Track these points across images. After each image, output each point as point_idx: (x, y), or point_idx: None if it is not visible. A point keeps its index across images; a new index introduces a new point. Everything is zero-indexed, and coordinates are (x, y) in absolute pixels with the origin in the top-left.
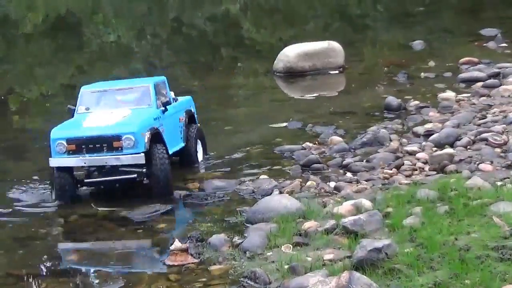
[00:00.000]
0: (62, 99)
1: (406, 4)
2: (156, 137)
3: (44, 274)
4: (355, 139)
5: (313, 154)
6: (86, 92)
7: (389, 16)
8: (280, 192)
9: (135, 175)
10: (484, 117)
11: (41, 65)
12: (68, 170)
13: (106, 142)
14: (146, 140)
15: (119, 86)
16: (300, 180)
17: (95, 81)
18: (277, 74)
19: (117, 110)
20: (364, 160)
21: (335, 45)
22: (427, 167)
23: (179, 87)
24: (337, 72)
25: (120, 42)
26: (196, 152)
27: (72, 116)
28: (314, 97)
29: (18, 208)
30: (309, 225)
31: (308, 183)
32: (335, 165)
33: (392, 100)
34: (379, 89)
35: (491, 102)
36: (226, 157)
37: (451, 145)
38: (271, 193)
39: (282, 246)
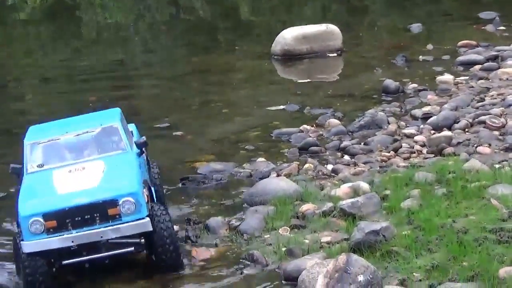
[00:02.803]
0: (61, 84)
1: None
2: (150, 193)
3: None
4: (353, 122)
5: (310, 137)
6: (33, 144)
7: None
8: (278, 175)
9: (132, 248)
10: (482, 100)
11: (40, 49)
12: (43, 253)
13: (99, 211)
14: (146, 200)
15: (74, 130)
16: (298, 163)
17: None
18: (275, 57)
19: (87, 164)
20: (362, 143)
21: (333, 28)
22: (425, 150)
23: (177, 70)
24: (335, 55)
25: (118, 25)
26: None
27: (20, 178)
28: (312, 80)
29: None
30: (306, 207)
31: (306, 165)
32: (333, 148)
33: (390, 83)
34: (377, 72)
35: (489, 85)
36: (223, 139)
37: (449, 128)
38: (268, 176)
39: (280, 229)
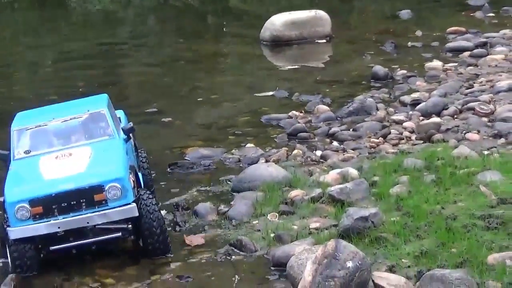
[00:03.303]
0: (49, 69)
1: None
2: (136, 178)
3: None
4: (342, 108)
5: (299, 123)
6: (20, 130)
7: None
8: (266, 161)
9: (119, 234)
10: (471, 86)
11: (28, 34)
12: (30, 239)
13: (85, 197)
14: (132, 185)
15: (61, 116)
16: (287, 148)
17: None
18: (264, 43)
19: (74, 150)
20: (351, 129)
21: (322, 14)
22: (413, 136)
23: (165, 56)
24: (324, 41)
25: (106, 10)
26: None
27: (6, 164)
28: (300, 66)
29: None
30: (295, 193)
31: (295, 151)
32: (322, 134)
33: (379, 69)
34: (366, 58)
35: (478, 72)
36: (212, 125)
37: (438, 114)
38: (257, 162)
39: (268, 215)
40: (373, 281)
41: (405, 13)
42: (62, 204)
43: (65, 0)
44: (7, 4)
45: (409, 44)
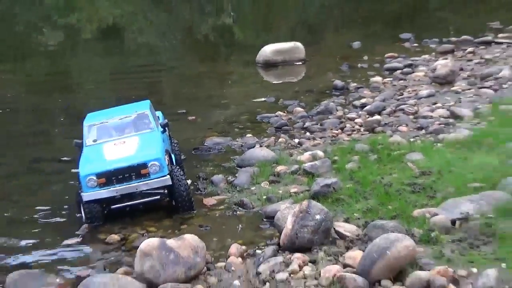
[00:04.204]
0: (110, 83)
1: (349, 15)
2: (170, 158)
3: None
4: (312, 109)
5: (283, 119)
6: (90, 126)
7: (336, 25)
8: (260, 146)
9: (159, 197)
10: (402, 94)
11: (95, 59)
12: (97, 200)
13: (134, 171)
14: (167, 163)
15: (117, 116)
16: (274, 137)
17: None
18: (258, 64)
19: (127, 139)
20: (319, 124)
21: (299, 44)
22: (362, 129)
23: (190, 73)
24: (300, 63)
25: (149, 41)
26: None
27: (80, 149)
28: (284, 81)
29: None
30: (280, 168)
31: (280, 139)
32: (298, 127)
33: (338, 82)
34: (329, 75)
35: (406, 84)
36: (222, 122)
37: (379, 113)
38: (254, 147)
39: (262, 183)
40: (334, 228)
41: (356, 44)
42: (119, 176)
43: (121, 34)
44: (83, 39)
45: (359, 65)
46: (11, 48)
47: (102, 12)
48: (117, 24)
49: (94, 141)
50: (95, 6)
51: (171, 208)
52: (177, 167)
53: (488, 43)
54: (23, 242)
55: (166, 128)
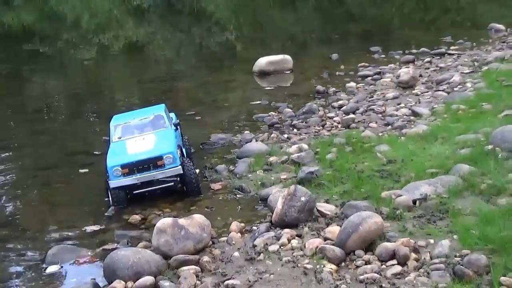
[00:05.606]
0: (131, 90)
1: (329, 33)
2: (181, 152)
3: None
4: (299, 110)
5: (275, 119)
6: (115, 126)
7: (318, 40)
8: (256, 140)
9: (172, 183)
10: (372, 97)
11: (121, 71)
12: (122, 187)
13: (152, 162)
14: (179, 155)
15: (138, 117)
16: (268, 133)
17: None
18: (255, 74)
19: (146, 136)
20: (304, 122)
21: (287, 56)
22: (340, 125)
23: (198, 81)
24: (288, 72)
25: (167, 55)
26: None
27: (108, 145)
28: (275, 87)
29: None
30: (272, 159)
31: (272, 135)
32: (287, 125)
33: (320, 87)
34: (312, 81)
35: (376, 88)
36: (225, 121)
37: (354, 113)
38: (251, 141)
39: (257, 171)
40: (316, 208)
41: (335, 56)
42: (139, 167)
43: (143, 50)
44: (110, 53)
45: (337, 73)
46: (56, 62)
47: (127, 31)
48: (140, 42)
49: (119, 138)
50: (122, 27)
51: (182, 192)
52: (188, 159)
53: (442, 54)
54: (61, 222)
55: (178, 127)
